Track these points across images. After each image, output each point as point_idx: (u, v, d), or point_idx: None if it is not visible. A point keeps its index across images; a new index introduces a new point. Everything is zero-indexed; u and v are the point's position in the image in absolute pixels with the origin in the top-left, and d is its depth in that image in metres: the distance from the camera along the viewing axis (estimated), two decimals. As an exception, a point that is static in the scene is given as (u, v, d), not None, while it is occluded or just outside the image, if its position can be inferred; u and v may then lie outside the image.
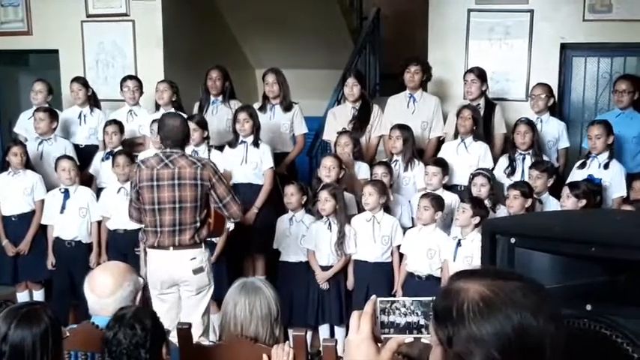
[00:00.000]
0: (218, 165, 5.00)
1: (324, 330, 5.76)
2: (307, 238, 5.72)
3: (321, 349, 3.24)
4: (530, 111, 6.33)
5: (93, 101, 7.02)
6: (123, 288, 3.14)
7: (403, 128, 6.10)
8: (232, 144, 6.18)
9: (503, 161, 6.05)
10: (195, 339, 3.42)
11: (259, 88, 7.44)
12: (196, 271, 4.62)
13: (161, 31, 7.72)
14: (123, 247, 5.89)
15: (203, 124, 6.09)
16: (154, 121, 6.27)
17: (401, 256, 5.61)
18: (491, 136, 6.33)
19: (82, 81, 7.01)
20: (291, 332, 4.58)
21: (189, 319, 4.03)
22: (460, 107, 6.17)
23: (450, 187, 5.95)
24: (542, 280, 1.68)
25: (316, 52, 9.12)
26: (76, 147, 6.75)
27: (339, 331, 5.73)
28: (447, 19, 7.37)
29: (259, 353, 3.00)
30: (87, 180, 6.44)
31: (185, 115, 5.81)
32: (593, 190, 5.41)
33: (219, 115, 6.70)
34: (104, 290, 3.12)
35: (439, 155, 6.13)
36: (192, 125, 5.53)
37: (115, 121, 6.49)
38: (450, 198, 5.73)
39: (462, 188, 5.94)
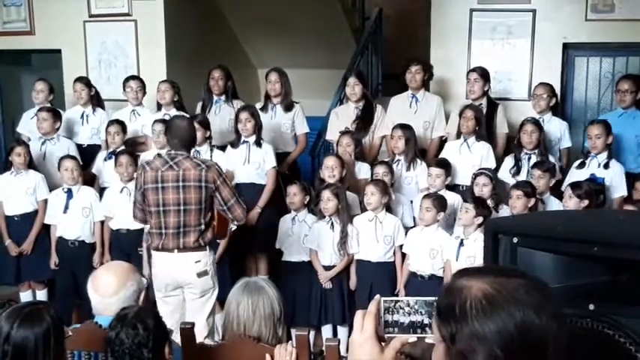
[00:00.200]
0: (221, 164, 5.00)
1: (326, 330, 5.76)
2: (310, 238, 5.72)
3: (323, 348, 3.24)
4: (532, 111, 6.33)
5: (96, 101, 7.03)
6: (126, 288, 3.15)
7: (405, 128, 6.09)
8: (234, 144, 6.18)
9: (509, 161, 6.04)
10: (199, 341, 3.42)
11: (261, 87, 7.44)
12: (200, 274, 4.61)
13: (163, 30, 7.74)
14: (126, 247, 5.90)
15: (205, 124, 6.09)
16: (155, 121, 6.29)
17: (403, 255, 5.61)
18: (494, 136, 6.33)
19: (85, 81, 7.01)
20: (293, 332, 4.57)
21: (194, 321, 4.03)
22: (463, 107, 6.16)
23: (452, 187, 5.95)
24: (544, 279, 1.67)
25: (318, 51, 9.12)
26: (79, 147, 6.75)
27: (341, 330, 5.73)
28: (450, 19, 7.38)
29: (262, 353, 3.00)
30: (89, 180, 6.44)
31: (187, 116, 5.83)
32: (595, 189, 5.40)
33: (221, 115, 6.70)
34: (107, 290, 3.13)
35: (442, 155, 6.13)
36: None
37: (117, 121, 6.49)
38: (453, 198, 5.72)
39: (464, 188, 5.94)
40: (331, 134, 6.63)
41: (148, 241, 4.77)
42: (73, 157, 6.17)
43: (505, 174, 5.99)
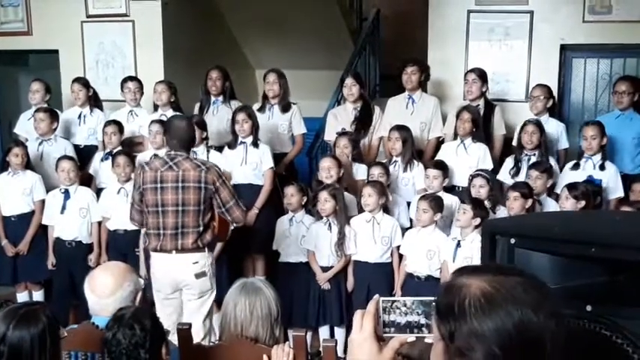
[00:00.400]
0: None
1: (324, 331, 5.76)
2: (307, 239, 5.72)
3: (321, 349, 3.24)
4: (529, 112, 6.33)
5: (94, 102, 7.02)
6: (123, 288, 3.15)
7: (402, 129, 6.09)
8: (231, 145, 6.18)
9: (509, 162, 6.05)
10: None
11: (259, 88, 7.45)
12: (199, 276, 4.60)
13: (161, 31, 7.74)
14: (123, 248, 5.89)
15: (202, 125, 6.09)
16: (152, 121, 6.28)
17: (401, 256, 5.61)
18: (491, 137, 6.33)
19: (82, 81, 7.01)
20: (291, 333, 4.58)
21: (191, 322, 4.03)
22: (459, 109, 6.16)
23: (449, 189, 5.95)
24: (542, 280, 1.68)
25: (316, 52, 9.12)
26: (76, 147, 6.74)
27: (338, 331, 5.73)
28: (447, 20, 7.38)
29: (259, 353, 3.00)
30: (86, 180, 6.43)
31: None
32: (593, 191, 5.41)
33: (219, 116, 6.70)
34: (104, 290, 3.13)
35: (438, 156, 6.13)
36: (190, 126, 5.50)
37: (114, 122, 6.49)
38: (450, 200, 5.73)
39: (461, 189, 5.94)
40: (329, 135, 6.63)
41: (145, 242, 4.75)
42: (70, 158, 6.16)
43: (505, 175, 5.99)
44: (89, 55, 7.95)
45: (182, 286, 4.64)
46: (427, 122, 6.51)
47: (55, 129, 6.59)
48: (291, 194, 5.78)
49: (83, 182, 6.29)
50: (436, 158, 6.12)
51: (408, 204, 5.98)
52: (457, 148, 6.08)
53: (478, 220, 5.09)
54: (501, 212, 5.49)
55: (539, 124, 5.95)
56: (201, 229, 4.60)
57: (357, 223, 5.68)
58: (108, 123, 6.48)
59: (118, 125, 6.44)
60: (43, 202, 6.19)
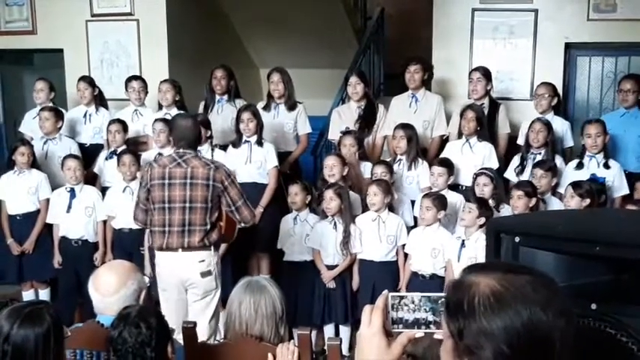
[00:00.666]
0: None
1: (329, 329, 5.77)
2: (312, 238, 5.72)
3: (325, 348, 3.25)
4: (534, 111, 6.32)
5: (99, 101, 7.02)
6: (127, 287, 3.15)
7: (407, 128, 6.09)
8: (235, 144, 6.18)
9: (516, 160, 6.05)
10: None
11: (264, 87, 7.45)
12: (204, 274, 4.58)
13: (165, 30, 7.74)
14: (128, 246, 5.90)
15: (206, 124, 6.09)
16: (156, 120, 6.29)
17: (406, 255, 5.61)
18: (495, 136, 6.33)
19: (88, 80, 7.01)
20: (295, 331, 4.58)
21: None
22: (464, 108, 6.15)
23: (453, 187, 5.94)
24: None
25: (320, 51, 9.12)
26: (81, 146, 6.76)
27: (343, 330, 5.74)
28: (452, 19, 7.38)
29: (264, 352, 3.00)
30: (90, 179, 6.44)
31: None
32: (597, 189, 5.40)
33: (224, 114, 6.70)
34: (108, 289, 3.13)
35: (443, 154, 6.13)
36: (195, 125, 5.50)
37: (118, 120, 6.49)
38: (455, 198, 5.72)
39: (465, 188, 5.94)
40: (333, 134, 6.63)
41: (150, 241, 4.74)
42: (75, 157, 6.18)
43: (511, 173, 5.99)
44: (94, 54, 7.95)
45: (187, 285, 4.62)
46: (430, 121, 6.51)
47: (60, 128, 6.59)
48: (295, 193, 5.79)
49: (88, 181, 6.30)
50: (442, 156, 6.11)
51: (413, 202, 5.98)
52: (462, 147, 6.07)
53: (483, 220, 5.09)
54: (505, 211, 5.49)
55: (546, 123, 5.95)
56: (208, 227, 4.59)
57: (362, 221, 5.68)
58: (112, 122, 6.48)
59: (122, 124, 6.44)
60: (48, 200, 6.20)
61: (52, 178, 6.33)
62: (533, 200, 5.29)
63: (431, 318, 1.69)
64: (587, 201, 5.21)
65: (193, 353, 3.17)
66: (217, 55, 7.74)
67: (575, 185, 5.32)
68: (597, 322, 1.89)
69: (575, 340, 1.46)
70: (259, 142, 6.08)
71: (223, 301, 4.34)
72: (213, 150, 6.10)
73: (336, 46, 9.09)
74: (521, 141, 6.18)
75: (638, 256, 1.85)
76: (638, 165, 6.08)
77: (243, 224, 4.82)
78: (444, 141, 6.50)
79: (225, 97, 6.75)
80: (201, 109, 6.75)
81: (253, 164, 6.08)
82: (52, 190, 6.23)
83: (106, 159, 6.46)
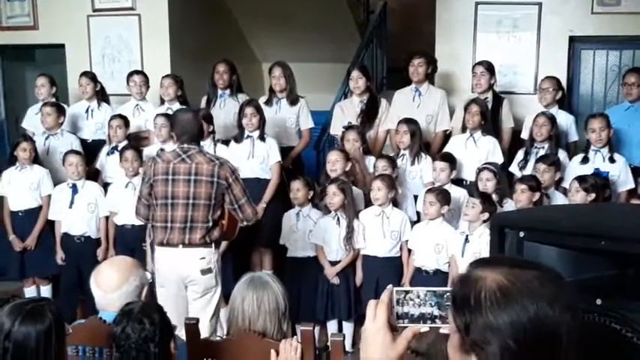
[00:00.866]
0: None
1: (332, 325, 5.76)
2: (315, 234, 5.71)
3: (329, 343, 3.24)
4: (537, 105, 6.31)
5: (101, 96, 7.02)
6: (129, 283, 3.14)
7: (410, 122, 6.08)
8: (238, 139, 6.17)
9: (520, 154, 6.04)
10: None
11: (266, 82, 7.43)
12: (204, 272, 4.55)
13: (167, 25, 7.73)
14: (130, 242, 5.90)
15: (208, 119, 6.08)
16: (157, 115, 6.28)
17: (410, 250, 5.60)
18: (499, 130, 6.31)
19: (90, 75, 7.00)
20: (298, 327, 4.57)
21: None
22: (468, 102, 6.14)
23: (457, 182, 5.93)
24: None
25: (323, 45, 9.12)
26: (84, 142, 6.75)
27: (347, 325, 5.73)
28: (455, 12, 7.36)
29: (267, 348, 2.99)
30: (93, 175, 6.43)
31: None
32: (601, 184, 5.38)
33: (226, 109, 6.69)
34: (110, 285, 3.12)
35: (446, 149, 6.12)
36: (197, 120, 5.47)
37: (119, 115, 6.49)
38: (459, 193, 5.71)
39: (469, 183, 5.92)
40: (336, 128, 6.62)
41: (150, 236, 4.71)
42: (77, 152, 6.17)
43: (515, 167, 5.99)
44: (95, 49, 7.94)
45: (187, 282, 4.59)
46: (434, 115, 6.49)
47: (61, 123, 6.59)
48: (297, 189, 5.77)
49: (90, 177, 6.29)
50: (444, 151, 6.10)
51: (416, 197, 5.97)
52: (466, 142, 6.06)
53: (486, 215, 5.08)
54: (508, 206, 5.48)
55: (550, 117, 5.93)
56: (210, 224, 4.56)
57: (366, 217, 5.67)
58: (113, 117, 6.48)
59: (124, 119, 6.44)
60: (50, 197, 6.19)
61: (53, 174, 6.32)
62: (537, 195, 5.28)
63: (436, 312, 1.69)
64: (593, 195, 5.20)
65: (196, 349, 3.16)
66: (219, 50, 7.74)
67: (581, 179, 5.30)
68: (602, 317, 1.89)
69: (580, 336, 1.45)
70: (262, 137, 6.07)
71: (226, 297, 4.33)
72: (215, 145, 6.08)
73: (339, 40, 9.08)
74: (525, 135, 6.17)
75: (644, 251, 1.84)
76: (641, 159, 6.06)
77: (245, 223, 4.74)
78: (447, 136, 6.48)
79: (228, 91, 6.74)
80: (203, 104, 6.74)
81: (256, 159, 6.07)
82: (54, 185, 6.22)
83: (108, 154, 6.46)
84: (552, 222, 2.13)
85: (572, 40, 7.12)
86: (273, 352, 2.98)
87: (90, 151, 6.59)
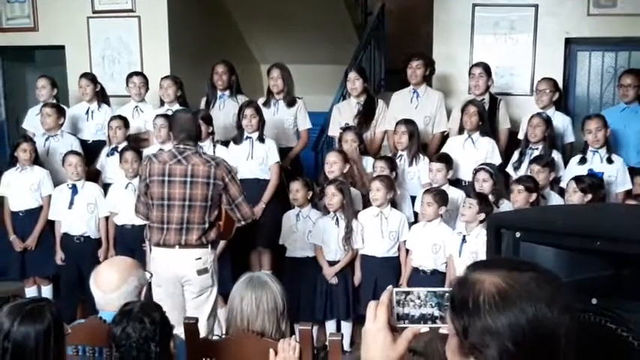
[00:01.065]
0: (223, 160, 4.95)
1: (330, 325, 5.77)
2: (314, 234, 5.72)
3: (327, 343, 3.26)
4: (534, 106, 6.33)
5: (101, 97, 7.02)
6: (128, 283, 3.15)
7: (409, 123, 6.10)
8: (237, 140, 6.18)
9: (516, 155, 6.06)
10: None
11: (265, 83, 7.45)
12: (201, 272, 4.55)
13: (167, 26, 7.74)
14: (130, 243, 5.91)
15: (208, 120, 6.09)
16: (157, 115, 6.29)
17: (408, 251, 5.62)
18: (496, 132, 6.33)
19: (90, 77, 7.01)
20: (297, 327, 4.59)
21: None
22: (465, 103, 6.16)
23: (455, 182, 5.95)
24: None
25: (321, 47, 9.12)
26: (84, 143, 6.76)
27: (345, 325, 5.75)
28: (452, 14, 7.38)
29: (266, 348, 3.00)
30: (93, 176, 6.44)
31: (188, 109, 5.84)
32: (597, 184, 5.41)
33: (226, 110, 6.70)
34: (109, 285, 3.13)
35: (444, 150, 6.13)
36: (196, 121, 5.47)
37: (119, 116, 6.50)
38: (456, 194, 5.73)
39: (466, 183, 5.94)
40: (333, 130, 6.65)
41: (147, 236, 4.71)
42: (77, 153, 6.18)
43: (511, 168, 6.00)
44: (95, 50, 7.95)
45: (183, 282, 4.58)
46: (431, 117, 6.51)
47: (61, 124, 6.59)
48: (297, 189, 5.79)
49: (90, 178, 6.30)
50: (441, 151, 6.12)
51: (413, 198, 5.99)
52: (465, 143, 6.07)
53: (483, 215, 5.09)
54: (505, 206, 5.50)
55: (544, 118, 5.95)
56: (206, 225, 4.55)
57: (364, 217, 5.69)
58: (113, 118, 6.49)
59: (123, 120, 6.45)
60: (51, 197, 6.20)
61: (53, 175, 6.33)
62: (534, 195, 5.29)
63: (437, 313, 1.69)
64: (590, 196, 5.22)
65: (195, 349, 3.18)
66: (219, 51, 7.75)
67: (578, 180, 5.32)
68: (598, 316, 1.90)
69: (576, 335, 1.46)
70: (261, 139, 6.08)
71: (225, 297, 4.34)
72: (215, 146, 6.09)
73: (337, 41, 9.09)
74: (521, 136, 6.19)
75: (639, 251, 1.86)
76: (637, 160, 6.08)
77: (242, 222, 4.74)
78: (444, 137, 6.50)
79: (227, 92, 6.75)
80: (202, 106, 6.75)
81: (255, 160, 6.09)
82: (55, 186, 6.24)
83: (108, 155, 6.47)
84: (548, 222, 2.14)
85: (569, 41, 7.14)
86: (271, 351, 2.98)
87: (90, 152, 6.60)
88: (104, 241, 6.10)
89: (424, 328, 1.71)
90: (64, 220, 6.11)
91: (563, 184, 5.65)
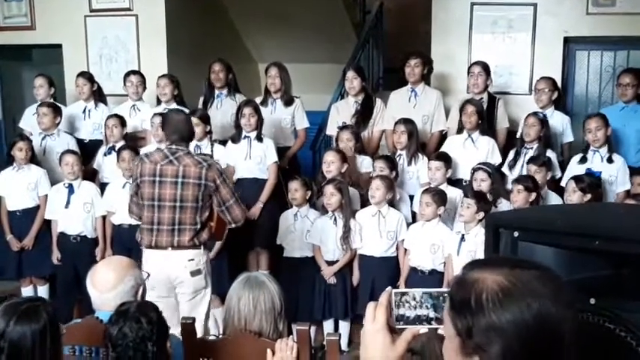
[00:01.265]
0: (221, 159, 4.93)
1: (328, 324, 5.77)
2: (312, 234, 5.71)
3: (324, 343, 3.25)
4: (533, 105, 6.32)
5: (98, 96, 7.01)
6: (124, 282, 3.14)
7: (408, 122, 6.09)
8: (235, 139, 6.17)
9: (511, 154, 6.05)
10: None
11: (262, 82, 7.45)
12: (194, 273, 4.52)
13: (164, 25, 7.73)
14: (127, 242, 5.85)
15: (205, 119, 6.08)
16: (155, 114, 6.28)
17: (406, 250, 5.61)
18: (494, 131, 6.32)
19: (87, 76, 7.00)
20: (294, 327, 4.57)
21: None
22: (463, 102, 6.15)
23: (455, 182, 5.94)
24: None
25: (319, 46, 9.12)
26: (81, 142, 6.75)
27: (343, 325, 5.74)
28: (451, 13, 7.37)
29: (263, 347, 2.99)
30: (90, 175, 6.43)
31: (187, 110, 5.82)
32: (596, 183, 5.40)
33: (223, 109, 6.70)
34: (105, 285, 3.12)
35: (444, 149, 6.12)
36: (194, 120, 5.43)
37: (116, 115, 6.49)
38: (455, 193, 5.72)
39: (466, 183, 5.93)
40: (331, 129, 6.64)
41: (138, 238, 4.68)
42: (73, 152, 6.17)
43: (506, 167, 5.99)
44: (92, 49, 7.94)
45: (176, 283, 4.55)
46: (430, 115, 6.51)
47: (58, 124, 6.58)
48: (295, 189, 5.78)
49: (87, 177, 6.29)
50: (440, 150, 6.11)
51: (411, 197, 5.98)
52: (464, 142, 6.06)
53: (482, 215, 5.08)
54: (503, 206, 5.50)
55: (540, 117, 5.95)
56: (198, 226, 4.52)
57: (362, 216, 5.68)
58: (109, 116, 6.49)
59: (120, 119, 6.44)
60: (47, 196, 6.19)
61: (50, 174, 6.32)
62: (533, 195, 5.29)
63: (432, 314, 1.68)
64: (589, 195, 5.21)
65: (192, 349, 3.17)
66: (216, 50, 7.73)
67: (577, 180, 5.32)
68: (596, 316, 1.89)
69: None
70: (259, 138, 6.07)
71: (222, 297, 4.33)
72: (212, 145, 6.08)
73: (335, 40, 9.09)
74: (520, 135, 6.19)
75: (638, 251, 1.85)
76: (636, 159, 6.07)
77: (233, 224, 4.70)
78: (443, 136, 6.50)
79: (225, 91, 6.75)
80: (200, 105, 6.74)
81: (253, 160, 6.07)
82: (52, 185, 6.22)
83: (105, 155, 6.46)
84: (547, 222, 2.13)
85: (567, 40, 7.13)
86: (269, 351, 2.98)
87: (87, 151, 6.60)
88: (101, 241, 6.09)
89: (423, 329, 1.70)
90: (60, 220, 6.10)
91: (564, 184, 5.63)
